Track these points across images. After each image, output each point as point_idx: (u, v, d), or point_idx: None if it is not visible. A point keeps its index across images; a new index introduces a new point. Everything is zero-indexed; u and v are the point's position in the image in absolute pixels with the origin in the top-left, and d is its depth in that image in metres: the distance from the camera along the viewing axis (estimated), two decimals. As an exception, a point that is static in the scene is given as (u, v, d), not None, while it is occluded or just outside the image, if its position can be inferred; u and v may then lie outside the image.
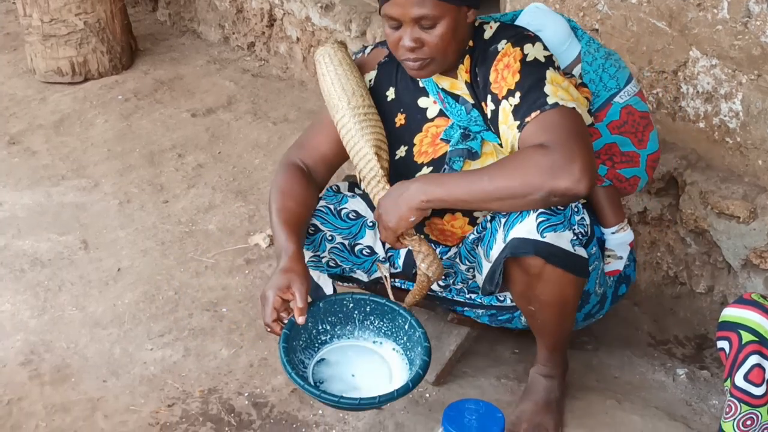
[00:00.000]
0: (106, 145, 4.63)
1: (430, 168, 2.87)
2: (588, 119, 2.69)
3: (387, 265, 3.09)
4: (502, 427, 2.66)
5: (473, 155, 2.80)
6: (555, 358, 3.00)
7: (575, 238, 2.68)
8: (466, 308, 3.13)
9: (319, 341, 2.90)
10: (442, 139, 2.87)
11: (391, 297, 2.93)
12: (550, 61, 2.71)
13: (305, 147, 3.00)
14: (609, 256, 3.04)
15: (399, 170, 2.90)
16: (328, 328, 2.91)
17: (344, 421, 3.05)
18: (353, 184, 3.12)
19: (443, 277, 3.05)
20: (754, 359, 2.43)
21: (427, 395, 3.18)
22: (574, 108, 2.62)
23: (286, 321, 2.74)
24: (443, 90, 2.84)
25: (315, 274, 3.06)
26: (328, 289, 3.09)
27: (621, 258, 3.05)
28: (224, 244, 3.87)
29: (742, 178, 3.44)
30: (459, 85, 2.81)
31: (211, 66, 5.54)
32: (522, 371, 3.13)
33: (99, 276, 3.67)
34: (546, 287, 2.73)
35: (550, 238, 2.65)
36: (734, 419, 2.49)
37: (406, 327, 2.88)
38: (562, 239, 2.66)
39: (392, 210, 2.71)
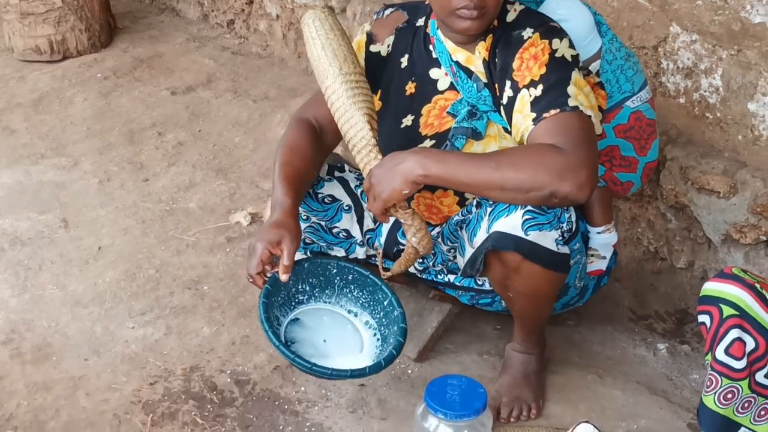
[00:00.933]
0: (85, 123, 4.61)
1: (433, 141, 2.87)
2: (599, 130, 2.69)
3: (377, 243, 3.08)
4: (485, 402, 2.67)
5: (477, 135, 2.79)
6: (531, 339, 3.03)
7: (560, 237, 2.69)
8: (447, 288, 3.13)
9: (296, 300, 2.92)
10: (448, 112, 2.86)
11: (382, 273, 2.91)
12: (576, 62, 2.70)
13: (321, 104, 2.92)
14: (592, 255, 3.05)
15: (402, 140, 2.88)
16: (308, 288, 2.93)
17: (326, 397, 3.05)
18: (332, 167, 3.11)
19: (422, 260, 3.06)
20: (734, 333, 2.43)
21: (410, 371, 3.19)
22: (590, 117, 2.62)
23: (269, 275, 2.75)
24: (457, 63, 2.82)
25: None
26: None
27: (604, 258, 3.06)
28: (205, 222, 3.86)
29: (722, 154, 3.45)
30: (475, 61, 2.80)
31: (191, 44, 5.51)
32: (504, 347, 3.14)
33: (79, 254, 3.65)
34: (522, 280, 2.75)
35: (534, 236, 2.65)
36: (715, 392, 2.50)
37: (385, 303, 2.90)
38: (547, 238, 2.67)
39: (386, 180, 2.61)
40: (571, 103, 2.60)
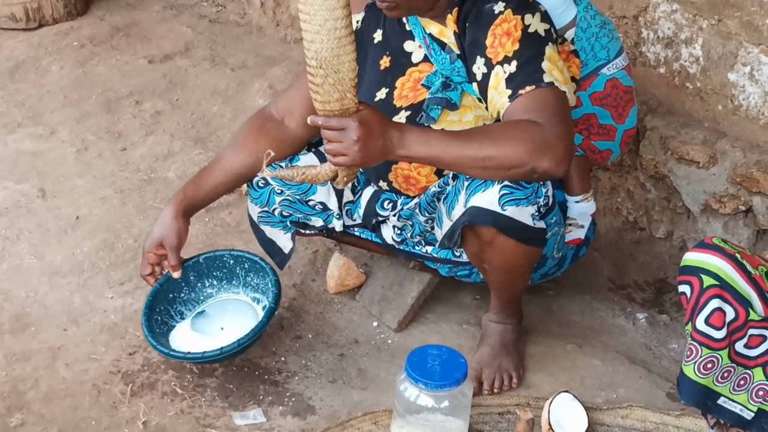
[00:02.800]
0: (62, 92, 4.56)
1: (408, 113, 2.85)
2: (573, 101, 2.71)
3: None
4: (465, 372, 2.68)
5: (452, 106, 2.78)
6: (508, 310, 3.04)
7: (536, 212, 2.70)
8: (425, 260, 3.13)
9: (204, 294, 3.08)
10: (423, 84, 2.85)
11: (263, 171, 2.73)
12: (549, 36, 2.70)
13: (283, 93, 2.99)
14: (570, 225, 3.05)
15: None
16: (215, 282, 3.09)
17: (306, 367, 3.06)
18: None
19: (400, 231, 3.05)
20: (714, 303, 2.44)
21: (390, 341, 3.19)
22: (565, 93, 2.63)
23: (163, 273, 2.99)
24: (430, 35, 2.81)
25: (267, 230, 3.07)
26: (287, 247, 3.09)
27: (582, 227, 3.06)
28: (183, 191, 3.84)
29: (702, 124, 3.46)
30: (447, 33, 2.79)
31: (168, 12, 5.45)
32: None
33: (57, 224, 3.63)
34: (497, 254, 2.77)
35: (511, 212, 2.67)
36: (695, 362, 2.51)
37: (270, 284, 3.00)
38: (524, 213, 2.68)
39: (365, 146, 2.48)
40: (546, 78, 2.61)
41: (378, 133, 2.49)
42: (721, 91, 3.39)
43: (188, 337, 2.98)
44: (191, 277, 3.07)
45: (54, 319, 3.18)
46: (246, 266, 3.09)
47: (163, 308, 3.01)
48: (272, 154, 2.57)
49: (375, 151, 2.51)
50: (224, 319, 3.05)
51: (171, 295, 3.04)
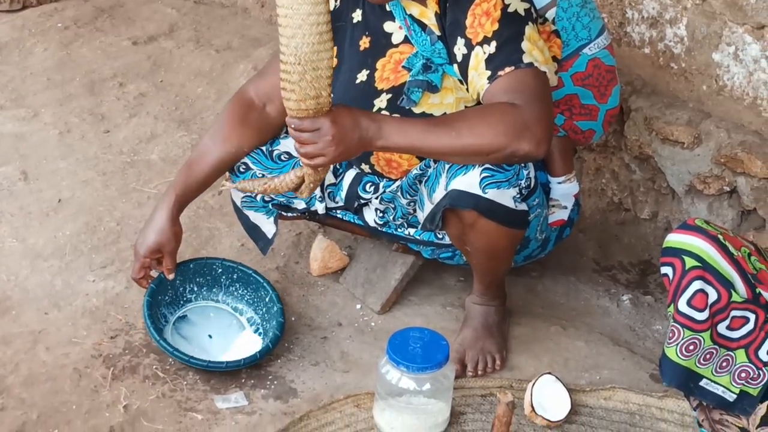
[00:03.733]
0: (45, 74, 4.53)
1: (389, 95, 2.83)
2: (554, 81, 2.72)
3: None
4: (447, 355, 2.68)
5: (433, 88, 2.77)
6: (491, 292, 3.04)
7: (518, 194, 2.69)
8: (408, 242, 3.12)
9: (185, 299, 3.10)
10: (404, 66, 2.82)
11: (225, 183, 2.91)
12: (529, 15, 2.68)
13: (264, 74, 2.98)
14: (553, 206, 3.04)
15: (357, 95, 2.85)
16: (195, 288, 3.11)
17: (289, 350, 3.05)
18: None
19: (382, 214, 3.04)
20: (697, 285, 2.44)
21: (373, 324, 3.18)
22: (545, 73, 2.62)
23: (156, 274, 3.00)
24: (411, 16, 2.79)
25: (251, 215, 3.06)
26: (271, 232, 3.08)
27: (565, 208, 3.05)
28: (167, 174, 3.81)
29: (686, 104, 3.45)
30: (428, 14, 2.76)
31: (152, -8, 5.42)
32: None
33: (39, 207, 3.60)
34: (479, 237, 2.76)
35: (492, 194, 2.66)
36: (677, 344, 2.50)
37: (267, 300, 3.06)
38: (505, 196, 2.68)
39: (342, 142, 2.49)
40: (526, 59, 2.60)
41: (352, 128, 2.49)
42: (705, 71, 3.38)
43: (177, 342, 3.00)
44: (177, 281, 3.08)
45: (35, 303, 3.16)
46: (234, 277, 3.12)
47: (153, 311, 2.99)
48: (227, 181, 2.85)
49: (352, 146, 2.51)
50: (209, 327, 3.08)
51: (159, 297, 3.04)
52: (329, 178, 3.06)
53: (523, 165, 2.69)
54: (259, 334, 3.04)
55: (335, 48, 2.88)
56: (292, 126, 2.47)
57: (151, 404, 2.82)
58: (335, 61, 2.88)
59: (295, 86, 2.40)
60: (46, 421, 2.74)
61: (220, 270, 3.12)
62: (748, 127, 3.28)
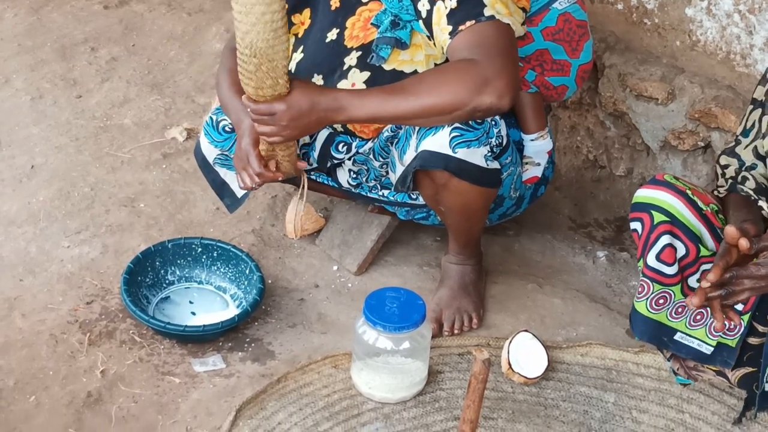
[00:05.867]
0: (16, 39, 4.48)
1: (359, 53, 2.82)
2: (521, 31, 2.69)
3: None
4: (423, 314, 2.68)
5: (402, 45, 2.75)
6: (466, 251, 3.04)
7: (489, 153, 2.68)
8: (383, 203, 3.12)
9: (167, 281, 3.09)
10: (372, 23, 2.81)
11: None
12: None
13: None
14: (527, 163, 3.04)
15: (327, 53, 2.84)
16: (177, 270, 3.10)
17: (266, 312, 3.05)
18: None
19: (355, 175, 3.03)
20: (665, 239, 2.45)
21: (349, 285, 3.18)
22: (508, 24, 2.60)
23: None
24: None
25: (223, 172, 3.04)
26: (240, 192, 3.06)
27: (539, 165, 3.05)
28: (140, 138, 3.79)
29: (660, 60, 3.45)
30: None
31: (124, -45, 5.36)
32: (444, 258, 3.14)
33: (12, 174, 3.58)
34: (452, 196, 2.76)
35: (462, 154, 2.65)
36: (647, 298, 2.52)
37: (247, 272, 3.05)
38: (476, 155, 2.67)
39: (296, 124, 2.55)
40: (487, 12, 2.58)
41: (308, 110, 2.53)
42: (678, 26, 3.37)
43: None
44: (157, 263, 3.08)
45: (10, 270, 3.14)
46: (214, 255, 3.12)
47: (132, 290, 2.98)
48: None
49: (309, 125, 2.57)
50: (192, 306, 3.07)
51: (139, 278, 3.03)
52: (303, 138, 3.04)
53: (493, 123, 2.68)
54: (242, 309, 3.02)
55: (308, 10, 2.88)
56: (249, 109, 2.54)
57: (129, 369, 2.82)
58: (308, 21, 2.88)
59: (252, 76, 2.47)
60: (23, 387, 2.74)
61: (200, 249, 3.11)
62: (722, 82, 3.28)
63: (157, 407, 2.72)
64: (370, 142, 2.94)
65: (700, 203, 2.49)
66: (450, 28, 2.59)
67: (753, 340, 2.56)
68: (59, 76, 4.19)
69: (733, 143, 2.64)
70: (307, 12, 2.94)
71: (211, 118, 2.98)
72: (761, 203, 2.48)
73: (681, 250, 2.46)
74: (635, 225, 2.51)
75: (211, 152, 3.04)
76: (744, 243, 2.22)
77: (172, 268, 3.11)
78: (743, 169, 2.57)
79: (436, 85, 2.51)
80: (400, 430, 2.68)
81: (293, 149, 2.78)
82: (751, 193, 2.50)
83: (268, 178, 2.77)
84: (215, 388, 2.78)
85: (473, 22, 2.57)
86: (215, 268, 3.12)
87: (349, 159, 3.00)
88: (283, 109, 2.52)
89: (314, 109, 2.53)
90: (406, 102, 2.52)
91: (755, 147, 2.56)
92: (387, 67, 2.76)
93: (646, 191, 2.51)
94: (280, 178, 2.81)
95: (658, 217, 2.45)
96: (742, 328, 2.56)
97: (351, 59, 2.82)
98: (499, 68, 2.49)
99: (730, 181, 2.57)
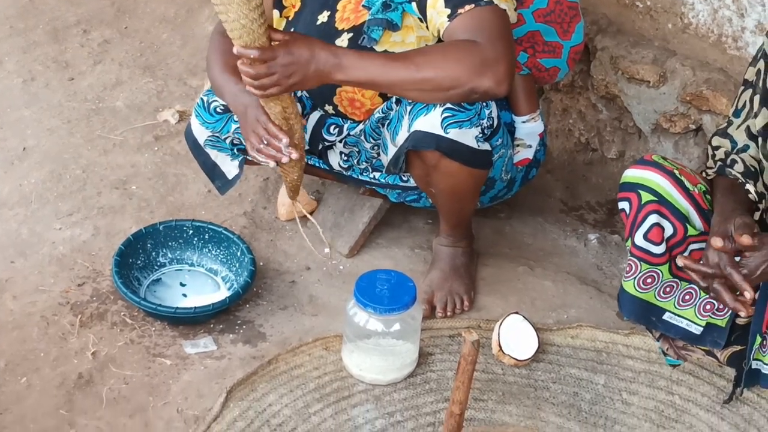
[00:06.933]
0: (8, 21, 4.46)
1: (350, 35, 2.81)
2: (513, 18, 2.70)
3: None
4: (414, 296, 2.69)
5: (393, 26, 2.75)
6: (457, 233, 3.04)
7: (480, 134, 2.68)
8: (374, 186, 3.12)
9: (158, 264, 3.09)
10: (364, 5, 2.80)
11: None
12: None
13: None
14: (518, 145, 3.04)
15: (318, 36, 2.82)
16: (168, 252, 3.10)
17: (258, 295, 3.06)
18: None
19: (347, 158, 3.03)
20: (653, 218, 2.46)
21: (341, 267, 3.18)
22: (505, 10, 2.61)
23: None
24: None
25: (213, 154, 3.02)
26: (232, 173, 3.04)
27: (530, 147, 3.05)
28: (132, 120, 3.79)
29: (652, 43, 3.44)
30: None
31: (117, -63, 5.34)
32: (435, 241, 3.14)
33: (4, 156, 3.57)
34: (442, 178, 2.76)
35: (454, 134, 2.65)
36: (635, 278, 2.52)
37: (239, 254, 3.05)
38: (467, 136, 2.67)
39: (301, 69, 2.52)
40: None
41: (308, 59, 2.51)
42: (670, 9, 3.37)
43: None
44: (148, 245, 3.08)
45: (1, 252, 3.14)
46: (205, 237, 3.12)
47: (124, 273, 2.98)
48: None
49: (307, 77, 2.53)
50: (184, 288, 3.07)
51: (130, 260, 3.03)
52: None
53: (484, 104, 2.68)
54: (234, 291, 3.02)
55: None
56: (250, 56, 2.46)
57: (120, 350, 2.83)
58: (298, 4, 2.88)
59: (235, 24, 2.41)
60: (14, 369, 2.75)
61: (191, 232, 3.11)
62: (713, 65, 3.28)
63: (148, 389, 2.73)
64: (361, 124, 2.94)
65: (687, 183, 2.49)
66: (448, 11, 2.60)
67: (741, 320, 2.57)
68: (51, 58, 4.18)
69: (726, 124, 2.65)
70: None
71: (202, 99, 2.97)
72: (748, 187, 2.48)
73: (668, 230, 2.46)
74: (623, 205, 2.51)
75: (202, 134, 3.03)
76: (746, 239, 2.26)
77: (164, 251, 3.11)
78: (734, 151, 2.57)
79: (438, 59, 2.53)
80: (390, 412, 2.68)
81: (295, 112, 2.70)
82: (739, 176, 2.50)
83: (274, 135, 2.67)
84: (206, 370, 2.79)
85: (472, 6, 2.58)
86: (207, 250, 3.12)
87: (340, 141, 2.99)
88: (283, 54, 2.48)
89: (314, 59, 2.51)
90: (406, 71, 2.53)
91: (747, 127, 2.57)
92: (378, 48, 2.76)
93: (634, 171, 2.51)
94: (288, 153, 2.68)
95: (646, 196, 2.46)
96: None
97: (342, 41, 2.81)
98: (500, 53, 2.52)
99: (719, 163, 2.57)
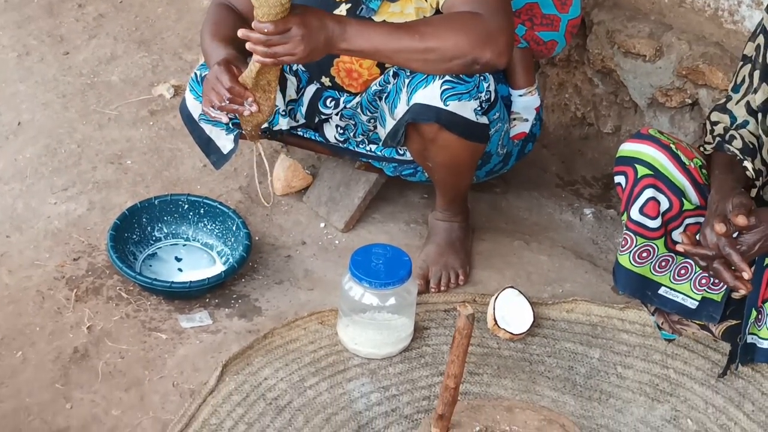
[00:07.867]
0: (2, -4, 4.46)
1: (348, 5, 2.80)
2: None
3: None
4: (409, 270, 2.69)
5: None
6: (453, 208, 3.04)
7: (479, 107, 2.68)
8: (370, 159, 3.11)
9: (153, 238, 3.09)
10: None
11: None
12: None
13: None
14: (515, 119, 3.04)
15: (316, 5, 2.79)
16: (164, 227, 3.10)
17: (253, 269, 3.05)
18: None
19: (342, 131, 3.02)
20: (649, 192, 2.46)
21: (336, 242, 3.18)
22: None
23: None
24: None
25: (208, 129, 3.00)
26: (227, 148, 3.02)
27: (527, 121, 3.05)
28: (127, 95, 3.78)
29: (648, 17, 3.43)
30: None
31: None
32: (431, 216, 3.14)
33: (-2, 130, 3.58)
34: (440, 151, 2.76)
35: (453, 107, 2.65)
36: (630, 252, 2.52)
37: (234, 229, 3.05)
38: (466, 108, 2.67)
39: (309, 42, 2.52)
40: None
41: (318, 29, 2.52)
42: (667, -18, 3.36)
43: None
44: (144, 220, 3.08)
45: (-4, 226, 3.15)
46: (201, 212, 3.11)
47: (119, 247, 2.98)
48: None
49: (318, 46, 2.54)
50: (179, 263, 3.07)
51: (125, 235, 3.03)
52: (290, 94, 3.03)
53: (482, 78, 2.68)
54: (230, 266, 3.02)
55: None
56: (265, 30, 2.47)
57: (115, 325, 2.83)
58: None
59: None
60: (10, 343, 2.75)
61: (186, 206, 3.11)
62: (710, 39, 3.27)
63: (144, 363, 2.73)
64: (357, 96, 2.93)
65: (683, 157, 2.49)
66: None
67: (736, 294, 2.57)
68: (46, 32, 4.16)
69: (724, 99, 2.64)
70: None
71: (195, 73, 2.96)
72: (746, 164, 2.48)
73: (664, 204, 2.46)
74: (619, 179, 2.51)
75: (196, 108, 3.01)
76: (741, 220, 2.26)
77: (159, 225, 3.10)
78: (733, 126, 2.57)
79: (442, 30, 2.55)
80: (385, 386, 2.69)
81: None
82: (737, 152, 2.50)
83: (238, 94, 2.62)
84: (202, 344, 2.79)
85: None
86: (202, 224, 3.12)
87: (337, 114, 2.99)
88: (298, 25, 2.48)
89: (324, 28, 2.52)
90: (410, 41, 2.55)
91: (747, 102, 2.56)
92: (377, 18, 2.75)
93: (630, 145, 2.51)
94: (250, 107, 2.64)
95: (642, 170, 2.46)
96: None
97: (340, 11, 2.80)
98: (502, 26, 2.54)
99: (717, 139, 2.57)
